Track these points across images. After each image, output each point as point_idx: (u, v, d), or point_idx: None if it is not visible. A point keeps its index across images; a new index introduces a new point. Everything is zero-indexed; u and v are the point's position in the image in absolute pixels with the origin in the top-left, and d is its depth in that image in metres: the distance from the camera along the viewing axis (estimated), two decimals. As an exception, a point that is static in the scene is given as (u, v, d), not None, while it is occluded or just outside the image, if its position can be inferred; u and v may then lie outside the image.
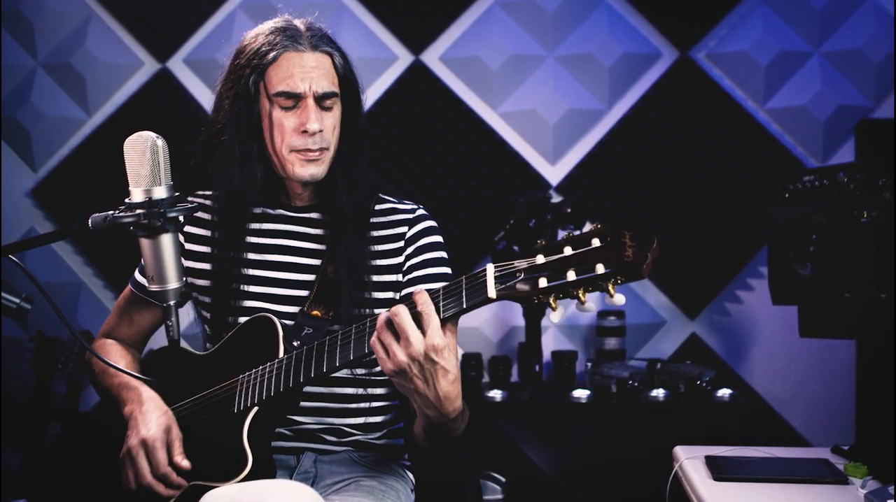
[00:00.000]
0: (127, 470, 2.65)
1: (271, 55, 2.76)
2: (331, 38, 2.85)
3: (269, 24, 2.84)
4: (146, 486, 2.61)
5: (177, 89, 5.24)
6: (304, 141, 2.75)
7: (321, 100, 2.76)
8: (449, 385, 2.32)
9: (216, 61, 4.86)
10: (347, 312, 2.80)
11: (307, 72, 2.74)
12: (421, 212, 3.00)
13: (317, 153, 2.77)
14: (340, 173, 2.86)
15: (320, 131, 2.75)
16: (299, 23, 2.84)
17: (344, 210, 2.86)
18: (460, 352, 4.97)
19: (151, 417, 2.67)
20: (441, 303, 2.27)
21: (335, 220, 2.89)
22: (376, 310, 2.76)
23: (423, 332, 2.24)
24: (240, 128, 2.82)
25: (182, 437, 2.68)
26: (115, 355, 3.03)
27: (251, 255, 2.92)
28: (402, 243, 2.92)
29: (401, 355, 2.25)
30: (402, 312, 2.26)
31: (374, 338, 2.32)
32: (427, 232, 2.96)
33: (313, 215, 2.96)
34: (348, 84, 2.84)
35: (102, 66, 5.23)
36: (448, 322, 2.29)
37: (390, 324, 2.28)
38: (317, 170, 2.79)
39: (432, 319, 2.24)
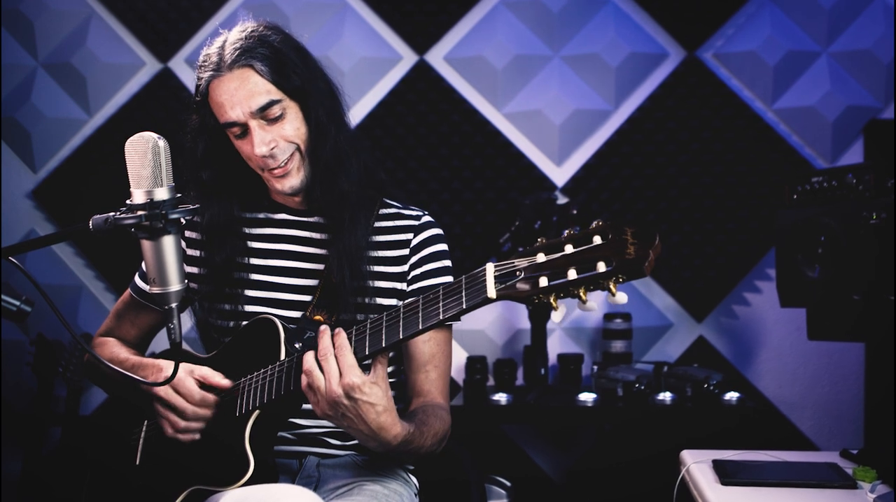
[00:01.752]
0: (165, 415, 2.68)
1: (202, 89, 2.75)
2: (259, 42, 2.72)
3: (204, 53, 2.79)
4: (191, 415, 2.65)
5: (179, 89, 5.22)
6: (265, 162, 2.73)
7: (262, 113, 2.69)
8: (380, 416, 2.37)
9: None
10: (351, 316, 2.79)
11: (232, 96, 2.68)
12: (427, 218, 2.97)
13: (286, 164, 2.75)
14: (313, 168, 2.81)
15: (274, 147, 2.71)
16: (232, 35, 2.76)
17: (323, 202, 2.84)
18: (465, 354, 4.99)
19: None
20: (441, 303, 2.26)
21: (325, 214, 2.88)
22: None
23: (340, 372, 2.31)
24: (192, 164, 2.87)
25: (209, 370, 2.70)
26: (117, 347, 3.05)
27: (254, 260, 2.92)
28: (406, 251, 2.90)
29: (322, 402, 2.34)
30: (312, 370, 2.37)
31: (304, 386, 2.39)
32: (432, 240, 2.95)
33: (315, 219, 2.94)
34: (288, 82, 2.72)
35: (103, 66, 5.21)
36: (381, 353, 2.37)
37: (308, 385, 2.37)
38: (294, 181, 2.79)
39: (345, 358, 2.33)
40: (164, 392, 2.64)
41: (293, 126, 2.73)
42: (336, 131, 2.83)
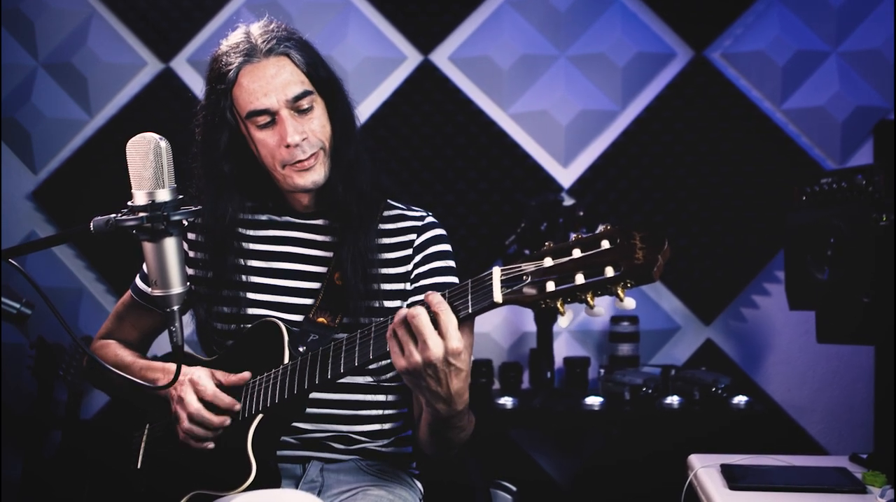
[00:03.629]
0: (176, 410, 2.63)
1: (230, 76, 2.71)
2: (289, 35, 2.77)
3: (226, 43, 2.78)
4: (195, 414, 2.59)
5: (181, 90, 5.20)
6: (292, 153, 2.70)
7: (295, 103, 2.69)
8: (461, 383, 2.31)
9: (221, 61, 4.84)
10: (354, 319, 2.77)
11: (268, 82, 2.68)
12: (430, 219, 2.96)
13: (311, 160, 2.72)
14: (335, 166, 2.80)
15: (305, 139, 2.69)
16: (255, 28, 2.77)
17: (343, 202, 2.81)
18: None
19: (190, 368, 2.68)
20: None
21: (338, 215, 2.85)
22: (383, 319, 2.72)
23: (443, 336, 2.19)
24: (210, 158, 2.82)
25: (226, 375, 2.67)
26: (121, 350, 3.03)
27: (256, 263, 2.90)
28: (410, 251, 2.89)
29: (417, 356, 2.21)
30: (420, 314, 2.20)
31: (389, 332, 2.27)
32: (436, 240, 2.92)
33: (319, 221, 2.93)
34: (318, 77, 2.75)
35: (104, 66, 5.19)
36: (465, 321, 2.26)
37: (406, 324, 2.23)
38: (317, 176, 2.75)
39: (451, 322, 2.20)
40: (181, 386, 2.61)
41: (320, 122, 2.74)
42: (356, 131, 2.86)
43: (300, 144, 2.68)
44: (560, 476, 5.18)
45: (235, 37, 2.77)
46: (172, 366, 2.73)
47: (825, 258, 3.62)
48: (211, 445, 2.62)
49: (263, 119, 2.69)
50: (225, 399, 2.61)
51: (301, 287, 2.86)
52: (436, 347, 2.18)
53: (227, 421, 2.60)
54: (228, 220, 2.85)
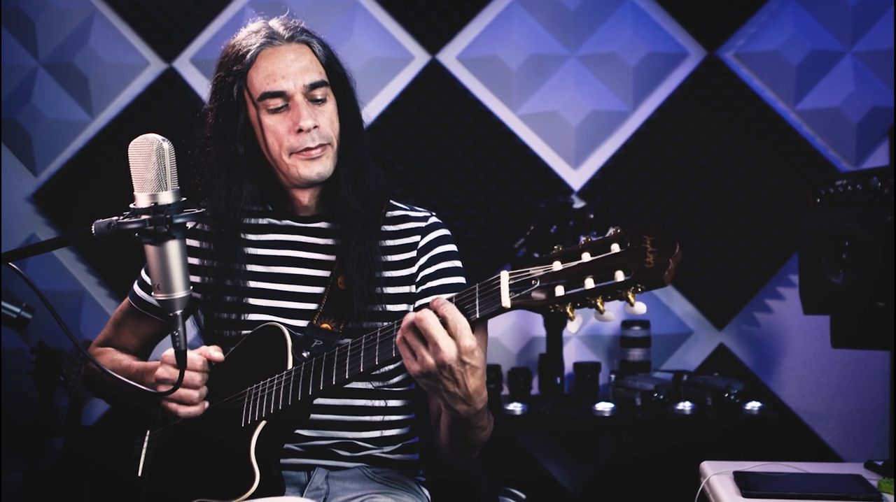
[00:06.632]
0: (175, 395, 2.62)
1: (248, 57, 2.73)
2: (308, 30, 2.83)
3: (245, 30, 2.82)
4: (201, 382, 2.63)
5: (184, 90, 5.17)
6: (302, 140, 2.70)
7: (310, 91, 2.71)
8: (478, 380, 2.27)
9: (225, 61, 4.83)
10: (359, 324, 2.75)
11: (288, 66, 2.72)
12: (434, 219, 2.94)
13: (318, 150, 2.72)
14: (342, 167, 2.80)
15: (316, 127, 2.69)
16: (274, 21, 2.83)
17: (350, 204, 2.79)
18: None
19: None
20: None
21: (343, 218, 2.82)
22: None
23: (453, 336, 2.16)
24: (224, 140, 2.80)
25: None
26: (117, 355, 3.02)
27: (257, 268, 2.88)
28: (414, 253, 2.87)
29: (430, 359, 2.18)
30: (428, 317, 2.17)
31: (399, 338, 2.24)
32: (441, 240, 2.90)
33: (321, 224, 2.90)
34: (334, 72, 2.80)
35: (106, 66, 5.16)
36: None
37: (415, 328, 2.19)
38: (322, 167, 2.74)
39: (459, 321, 2.16)
40: (167, 372, 2.59)
41: (330, 118, 2.76)
42: (364, 134, 2.89)
43: (311, 131, 2.68)
44: (570, 483, 5.15)
45: (254, 26, 2.81)
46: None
47: (840, 261, 3.60)
48: (205, 403, 2.64)
49: (276, 102, 2.70)
50: (215, 356, 2.64)
51: (304, 292, 2.84)
52: (448, 348, 2.15)
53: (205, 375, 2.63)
54: (239, 207, 2.83)
